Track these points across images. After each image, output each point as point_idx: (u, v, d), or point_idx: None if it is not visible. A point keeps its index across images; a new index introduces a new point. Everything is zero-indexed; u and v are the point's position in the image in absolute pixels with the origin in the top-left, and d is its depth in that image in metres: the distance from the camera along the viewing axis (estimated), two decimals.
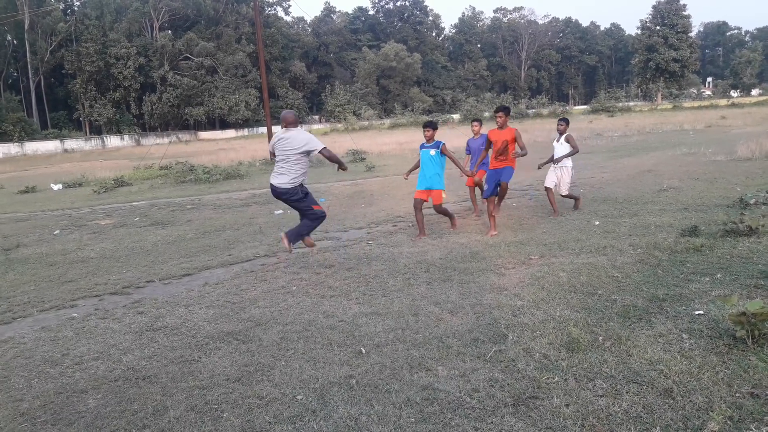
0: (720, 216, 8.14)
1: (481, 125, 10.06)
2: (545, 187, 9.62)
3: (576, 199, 9.78)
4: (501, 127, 8.31)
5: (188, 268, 7.59)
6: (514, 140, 8.16)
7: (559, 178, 9.50)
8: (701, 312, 4.54)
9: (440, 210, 8.62)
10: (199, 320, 5.38)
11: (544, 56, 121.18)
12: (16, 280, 7.51)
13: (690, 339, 4.06)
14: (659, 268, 5.91)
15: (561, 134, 9.51)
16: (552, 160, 9.55)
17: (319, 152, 6.56)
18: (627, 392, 3.40)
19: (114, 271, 7.70)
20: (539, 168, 10.16)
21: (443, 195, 8.53)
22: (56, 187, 20.58)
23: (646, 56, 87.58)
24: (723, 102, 66.43)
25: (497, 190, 8.43)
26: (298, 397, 3.67)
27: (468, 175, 8.99)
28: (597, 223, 8.50)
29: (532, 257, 6.83)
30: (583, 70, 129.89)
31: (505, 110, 8.42)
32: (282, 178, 6.69)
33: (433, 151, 8.37)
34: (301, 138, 6.58)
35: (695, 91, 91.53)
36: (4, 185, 22.84)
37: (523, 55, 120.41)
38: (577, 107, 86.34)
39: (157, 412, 3.62)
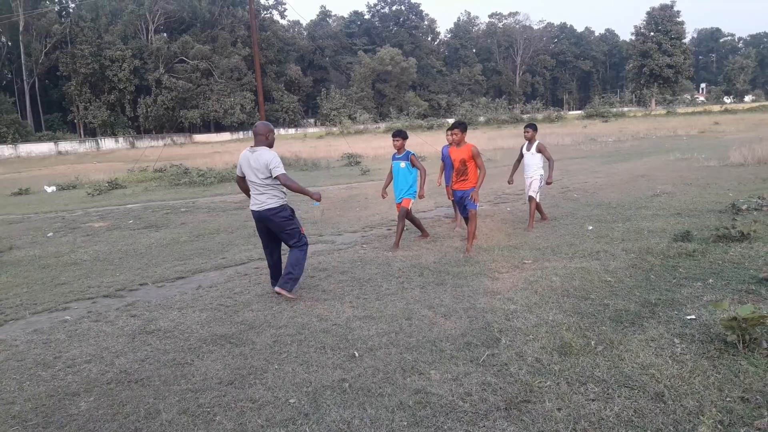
0: (712, 221, 8.19)
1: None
2: (529, 196, 9.03)
3: (533, 208, 9.00)
4: (458, 144, 7.61)
5: (182, 271, 7.58)
6: (472, 158, 7.48)
7: (529, 184, 8.99)
8: (693, 317, 4.57)
9: (404, 214, 8.12)
10: (192, 323, 5.37)
11: (539, 61, 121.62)
12: (9, 283, 7.47)
13: (681, 343, 4.08)
14: (652, 272, 5.94)
15: (530, 141, 8.95)
16: (517, 171, 9.15)
17: (277, 176, 5.71)
18: (619, 396, 3.42)
19: (107, 273, 7.68)
20: (510, 183, 9.57)
21: (411, 201, 8.12)
22: (50, 189, 20.49)
23: (640, 62, 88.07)
24: (716, 108, 66.82)
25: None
26: (291, 401, 3.67)
27: (420, 197, 8.28)
28: (590, 227, 8.53)
29: (526, 261, 6.86)
30: (577, 75, 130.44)
31: (461, 126, 7.63)
32: (262, 198, 5.85)
33: (403, 164, 8.07)
34: (265, 157, 5.73)
35: (689, 96, 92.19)
36: None
37: (518, 60, 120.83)
38: (571, 112, 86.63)
39: (150, 415, 3.61)
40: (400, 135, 8.18)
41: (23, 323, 5.75)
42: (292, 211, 6.04)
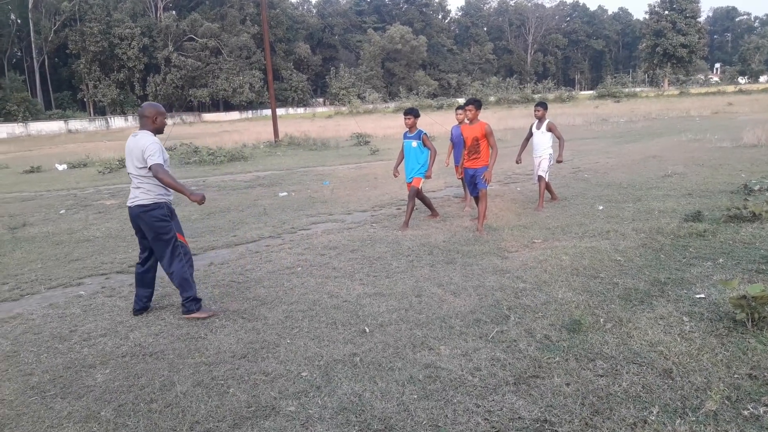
0: (724, 202, 8.15)
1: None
2: (538, 176, 8.94)
3: (543, 188, 8.90)
4: (471, 121, 7.52)
5: (193, 248, 7.59)
6: (485, 136, 7.43)
7: (538, 164, 8.93)
8: (702, 295, 4.58)
9: (414, 193, 8.10)
10: (204, 299, 5.43)
11: (551, 40, 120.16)
12: (23, 258, 7.58)
13: (690, 322, 4.10)
14: (662, 252, 5.94)
15: (540, 120, 8.87)
16: (524, 151, 9.08)
17: (150, 166, 4.74)
18: (627, 372, 3.45)
19: (120, 250, 7.76)
20: (518, 162, 9.53)
21: (422, 180, 8.11)
22: (61, 167, 20.63)
23: (653, 41, 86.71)
24: (730, 88, 65.88)
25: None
26: (303, 374, 3.73)
27: (428, 177, 8.17)
28: (601, 207, 8.51)
29: (536, 241, 6.87)
30: (589, 54, 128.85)
31: (476, 103, 7.52)
32: (135, 192, 4.92)
33: (415, 143, 8.02)
34: (142, 143, 4.81)
35: (702, 77, 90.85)
36: (9, 165, 22.90)
37: (530, 39, 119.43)
38: (583, 92, 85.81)
39: (164, 387, 3.69)
40: (411, 113, 8.12)
41: (39, 298, 5.85)
42: (171, 212, 5.02)
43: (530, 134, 9.09)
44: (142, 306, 5.15)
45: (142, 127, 4.96)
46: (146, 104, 5.05)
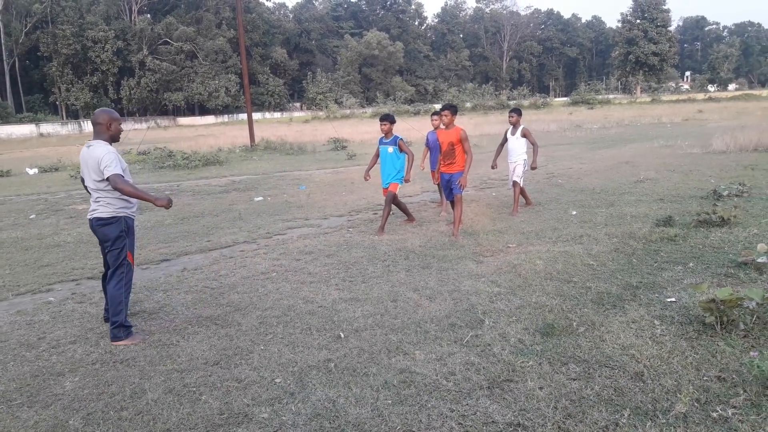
0: (694, 207, 8.30)
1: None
2: (513, 181, 8.96)
3: (518, 193, 8.99)
4: (447, 126, 7.53)
5: (166, 253, 7.55)
6: (460, 141, 7.44)
7: (513, 169, 8.95)
8: (673, 299, 4.65)
9: (390, 198, 8.06)
10: (177, 305, 5.37)
11: (526, 48, 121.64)
12: None
13: (661, 325, 4.16)
14: (634, 256, 6.03)
15: (514, 126, 8.91)
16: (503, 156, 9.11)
17: (107, 178, 4.48)
18: (599, 376, 3.49)
19: (91, 255, 7.62)
20: (493, 168, 9.49)
21: (398, 186, 8.15)
22: (32, 171, 20.21)
23: (626, 49, 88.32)
24: (700, 96, 67.35)
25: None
26: (277, 380, 3.70)
27: (406, 181, 8.22)
28: (574, 212, 8.61)
29: (510, 245, 6.92)
30: (564, 62, 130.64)
31: (452, 109, 7.52)
32: (95, 205, 4.68)
33: (391, 149, 8.03)
34: (96, 153, 4.55)
35: (673, 84, 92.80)
36: None
37: (505, 46, 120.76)
38: (557, 99, 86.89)
39: (135, 395, 3.62)
40: (387, 119, 8.13)
41: (6, 304, 5.71)
42: (128, 228, 4.79)
43: (505, 140, 9.17)
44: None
45: (96, 135, 4.70)
46: (99, 111, 4.79)
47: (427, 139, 9.55)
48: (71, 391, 3.73)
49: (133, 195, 4.55)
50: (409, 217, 8.63)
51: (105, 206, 4.63)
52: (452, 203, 7.80)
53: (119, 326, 4.56)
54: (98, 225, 4.65)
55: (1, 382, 3.92)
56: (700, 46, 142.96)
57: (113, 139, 4.76)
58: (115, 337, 4.55)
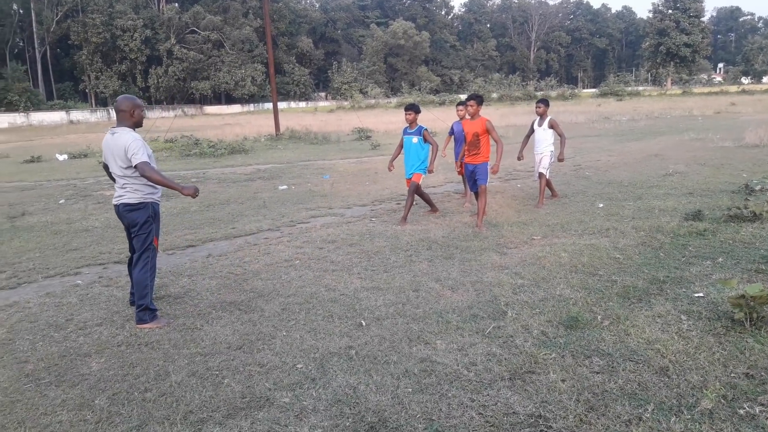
0: (725, 201, 8.13)
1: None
2: (539, 173, 8.89)
3: (543, 185, 8.86)
4: (472, 117, 7.53)
5: (192, 239, 7.64)
6: (486, 132, 7.41)
7: (539, 160, 8.87)
8: (701, 294, 4.56)
9: (414, 189, 8.07)
10: (201, 290, 5.44)
11: (554, 38, 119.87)
12: (22, 247, 7.57)
13: (688, 320, 4.09)
14: (661, 250, 5.93)
15: (541, 117, 8.84)
16: (531, 149, 8.99)
17: (135, 165, 4.53)
18: (623, 370, 3.44)
19: (118, 240, 7.74)
20: (519, 159, 9.41)
21: (422, 176, 8.11)
22: (61, 157, 20.60)
23: (656, 40, 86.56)
24: (733, 88, 65.82)
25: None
26: (298, 366, 3.72)
27: (430, 172, 8.20)
28: (601, 205, 8.49)
29: (535, 237, 6.85)
30: (592, 53, 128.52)
31: (477, 99, 7.53)
32: (121, 191, 4.71)
33: (415, 139, 7.98)
34: (123, 141, 4.58)
35: (705, 76, 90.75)
36: (10, 154, 22.87)
37: (533, 36, 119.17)
38: (585, 90, 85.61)
39: (159, 377, 3.68)
40: (412, 109, 8.08)
41: (36, 286, 5.84)
42: (155, 214, 4.84)
43: (531, 131, 9.06)
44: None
45: (120, 122, 4.71)
46: (121, 97, 4.79)
47: (452, 129, 9.47)
48: (97, 372, 3.80)
49: (161, 183, 4.58)
50: (433, 208, 8.59)
51: (132, 192, 4.66)
52: (476, 194, 7.75)
53: (144, 309, 4.62)
54: (125, 210, 4.69)
55: (31, 361, 4.02)
56: (734, 38, 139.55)
57: (136, 125, 4.78)
58: (140, 320, 4.62)
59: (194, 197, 4.74)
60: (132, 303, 4.96)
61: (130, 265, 4.96)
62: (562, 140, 8.88)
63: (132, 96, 4.86)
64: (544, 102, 8.96)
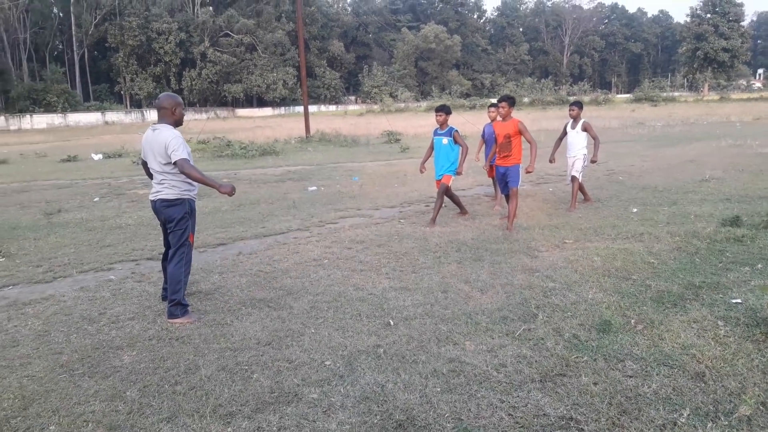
0: (764, 207, 7.91)
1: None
2: (571, 176, 8.75)
3: (576, 188, 8.72)
4: (504, 118, 7.47)
5: (223, 238, 7.72)
6: (518, 133, 7.35)
7: (572, 164, 8.72)
8: (739, 301, 4.43)
9: (443, 190, 8.01)
10: (232, 287, 5.49)
11: (588, 42, 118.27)
12: (57, 243, 7.74)
13: (726, 326, 3.98)
14: (697, 256, 5.79)
15: (575, 120, 8.69)
16: (567, 152, 8.79)
17: (175, 162, 4.58)
18: (657, 374, 3.36)
19: (151, 238, 7.87)
20: (551, 162, 9.16)
21: (452, 177, 8.02)
22: (96, 157, 21.09)
23: (694, 45, 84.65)
24: None
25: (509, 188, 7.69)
26: (327, 363, 3.73)
27: (459, 174, 8.04)
28: (635, 210, 8.34)
29: (567, 241, 6.75)
30: (627, 57, 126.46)
31: (509, 100, 7.45)
32: (159, 187, 4.77)
33: (445, 140, 7.92)
34: (163, 137, 4.63)
35: (744, 82, 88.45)
36: (47, 154, 23.48)
37: (566, 40, 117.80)
38: (619, 95, 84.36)
39: (189, 370, 3.71)
40: (443, 110, 8.04)
41: (70, 281, 5.97)
42: (191, 210, 4.89)
43: (564, 133, 8.94)
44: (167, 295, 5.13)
45: (161, 119, 4.76)
46: (164, 95, 4.83)
47: (484, 131, 9.39)
48: (129, 365, 3.86)
49: (200, 180, 4.62)
50: (462, 210, 8.54)
51: (170, 188, 4.70)
52: (507, 197, 7.68)
53: (176, 304, 4.67)
54: (163, 206, 4.74)
55: (65, 352, 4.10)
56: None
57: (177, 123, 4.82)
58: (171, 315, 4.68)
59: (231, 195, 4.76)
60: (164, 298, 5.01)
61: (165, 260, 5.02)
62: (596, 143, 8.73)
63: (174, 94, 4.92)
64: (578, 104, 8.82)
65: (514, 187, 7.43)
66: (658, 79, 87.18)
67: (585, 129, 8.65)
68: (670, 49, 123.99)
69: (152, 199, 4.83)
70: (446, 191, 8.09)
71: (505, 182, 7.58)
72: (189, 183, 4.78)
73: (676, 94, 73.98)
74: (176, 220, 4.75)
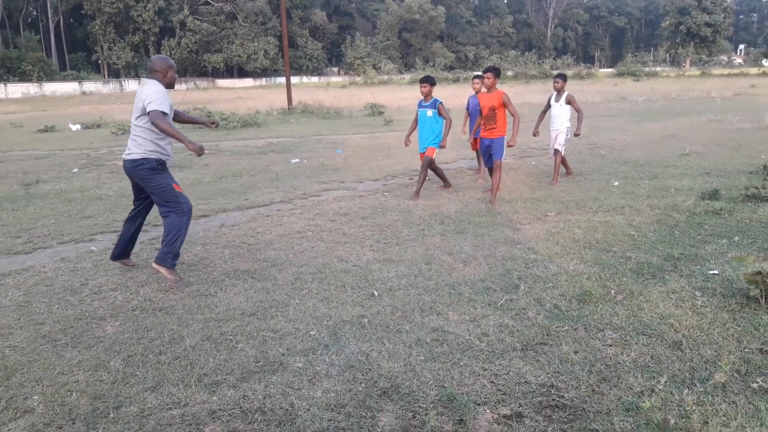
0: (742, 181, 8.03)
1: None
2: (554, 150, 8.76)
3: (558, 162, 8.80)
4: (489, 89, 7.39)
5: (205, 209, 7.66)
6: (502, 105, 7.28)
7: (555, 137, 8.72)
8: (716, 272, 4.53)
9: (427, 163, 7.95)
10: (215, 258, 5.47)
11: (572, 15, 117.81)
12: (36, 214, 7.64)
13: (703, 296, 4.07)
14: (676, 228, 5.88)
15: (558, 92, 8.68)
16: (550, 126, 8.77)
17: (148, 112, 4.51)
18: (636, 343, 3.43)
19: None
20: (535, 135, 9.10)
21: (435, 150, 7.98)
22: (75, 127, 20.68)
23: (677, 19, 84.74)
24: (754, 70, 64.57)
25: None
26: (311, 333, 3.75)
27: (443, 147, 8.00)
28: (616, 183, 8.42)
29: (549, 214, 6.81)
30: (611, 31, 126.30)
31: (494, 71, 7.36)
32: (129, 144, 4.77)
33: (430, 112, 7.85)
34: (146, 90, 4.61)
35: (726, 58, 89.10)
36: (24, 124, 22.97)
37: (551, 13, 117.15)
38: (602, 70, 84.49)
39: (174, 341, 3.72)
40: (428, 81, 7.95)
41: (51, 252, 5.90)
42: (161, 164, 4.77)
43: (548, 106, 8.94)
44: (118, 254, 5.16)
45: (149, 75, 4.75)
46: (155, 57, 4.80)
47: (468, 104, 9.34)
48: (112, 335, 3.85)
49: (169, 133, 4.54)
50: (446, 183, 8.54)
51: (138, 147, 4.68)
52: (491, 170, 7.69)
53: (170, 253, 4.73)
54: (132, 167, 4.71)
55: (47, 323, 4.07)
56: (756, 18, 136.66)
57: (168, 86, 4.79)
58: (161, 261, 4.72)
59: (199, 155, 4.70)
60: (114, 257, 5.09)
61: (129, 220, 5.10)
62: (579, 116, 8.76)
63: (165, 57, 4.87)
64: (562, 77, 8.81)
65: (498, 159, 7.44)
66: (641, 53, 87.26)
67: (569, 102, 8.64)
68: (654, 23, 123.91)
69: (123, 158, 4.81)
70: (430, 164, 8.08)
71: (489, 154, 7.59)
72: (157, 144, 4.71)
73: (658, 69, 74.23)
74: (147, 177, 4.70)
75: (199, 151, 4.65)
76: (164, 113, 4.53)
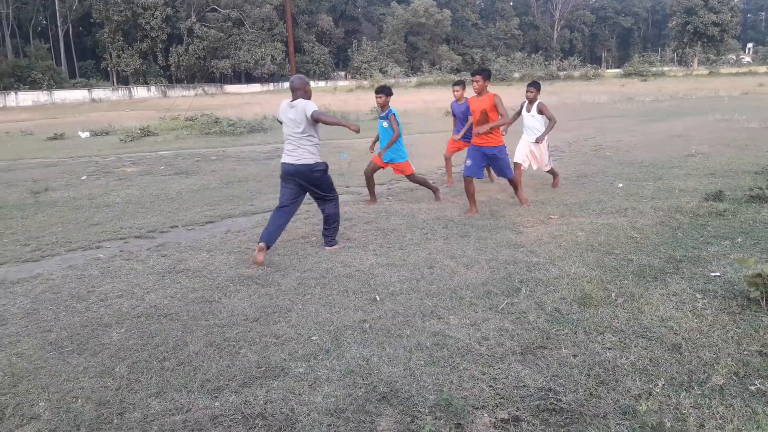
0: (747, 182, 8.01)
1: (463, 89, 8.96)
2: (514, 162, 8.10)
3: (555, 175, 8.71)
4: (479, 93, 6.94)
5: (211, 215, 7.73)
6: (494, 108, 6.83)
7: (534, 153, 8.25)
8: (718, 274, 4.53)
9: (416, 180, 7.92)
10: (220, 264, 5.53)
11: (578, 17, 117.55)
12: (45, 222, 7.73)
13: (703, 299, 4.07)
14: (679, 230, 5.88)
15: (531, 102, 8.14)
16: (536, 138, 8.22)
17: (312, 114, 5.58)
18: (635, 346, 3.45)
19: (139, 216, 7.87)
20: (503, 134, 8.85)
21: (411, 165, 7.84)
22: (84, 134, 20.87)
23: (684, 19, 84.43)
24: (762, 69, 64.23)
25: (482, 172, 7.40)
26: (313, 338, 3.79)
27: (356, 131, 7.57)
28: (620, 185, 8.42)
29: (552, 216, 6.83)
30: (617, 32, 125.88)
31: (483, 74, 6.91)
32: (297, 152, 5.80)
33: (386, 123, 7.57)
34: (302, 105, 5.66)
35: (734, 57, 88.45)
36: (34, 132, 23.20)
37: (557, 14, 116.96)
38: (609, 70, 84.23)
39: (178, 347, 3.77)
40: (383, 92, 7.53)
41: (59, 259, 5.98)
42: (326, 166, 5.88)
43: (518, 114, 8.36)
44: (267, 239, 5.55)
45: (296, 98, 5.66)
46: (295, 77, 5.77)
47: (453, 109, 9.15)
48: (118, 341, 3.90)
49: (333, 123, 5.78)
50: (435, 194, 8.15)
51: (309, 154, 5.67)
52: (468, 180, 7.19)
53: (336, 233, 5.96)
54: (307, 170, 5.68)
55: (54, 330, 4.14)
56: (764, 17, 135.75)
57: (309, 98, 5.73)
58: (331, 243, 5.91)
59: (357, 132, 5.73)
60: (262, 239, 5.55)
61: (279, 208, 5.82)
62: (550, 123, 8.19)
63: (302, 75, 5.88)
64: (535, 85, 8.25)
65: (511, 177, 7.25)
66: (648, 53, 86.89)
67: (540, 111, 8.12)
68: (661, 23, 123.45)
69: (293, 162, 5.73)
70: (413, 179, 7.92)
71: (479, 163, 7.16)
72: (319, 149, 5.77)
73: (665, 68, 73.86)
74: (318, 180, 5.78)
75: (358, 130, 5.71)
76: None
